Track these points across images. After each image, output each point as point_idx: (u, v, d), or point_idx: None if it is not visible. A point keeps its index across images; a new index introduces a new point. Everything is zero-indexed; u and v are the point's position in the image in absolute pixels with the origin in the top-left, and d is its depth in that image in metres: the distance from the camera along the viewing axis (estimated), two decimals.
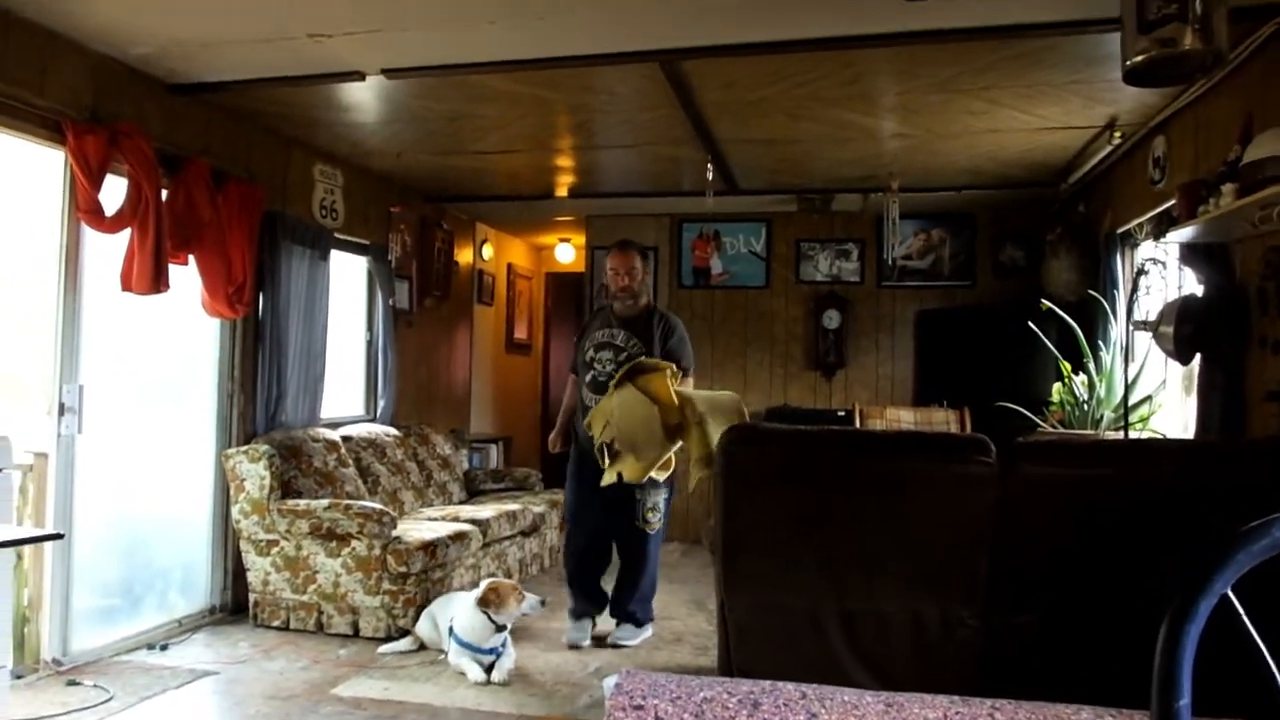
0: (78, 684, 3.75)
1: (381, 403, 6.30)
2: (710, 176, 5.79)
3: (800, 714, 1.15)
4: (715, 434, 3.53)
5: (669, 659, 4.40)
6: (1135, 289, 4.30)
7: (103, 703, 3.58)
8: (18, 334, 4.01)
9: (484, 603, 4.05)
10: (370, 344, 6.37)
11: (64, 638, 3.97)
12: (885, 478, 2.67)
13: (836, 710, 1.15)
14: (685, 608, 5.36)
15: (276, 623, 4.70)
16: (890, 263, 6.97)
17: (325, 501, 4.67)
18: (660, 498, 4.50)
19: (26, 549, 3.73)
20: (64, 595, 3.97)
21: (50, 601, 3.91)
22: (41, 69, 3.75)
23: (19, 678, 3.69)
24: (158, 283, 4.08)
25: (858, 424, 6.33)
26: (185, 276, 4.43)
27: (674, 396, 3.94)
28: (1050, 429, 4.61)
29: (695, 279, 7.53)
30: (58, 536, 2.68)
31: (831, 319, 7.15)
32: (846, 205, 6.87)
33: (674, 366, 4.21)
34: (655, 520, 4.51)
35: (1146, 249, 4.87)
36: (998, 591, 2.54)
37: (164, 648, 4.33)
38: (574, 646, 4.50)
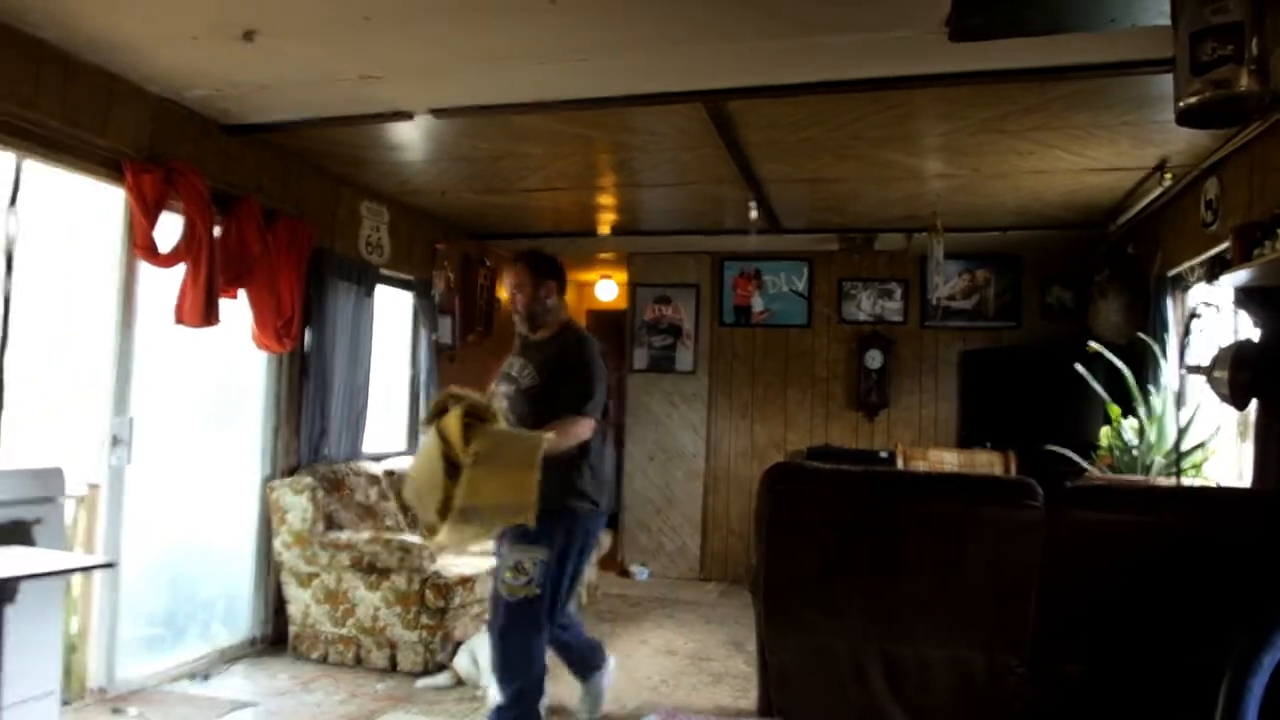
0: (122, 712, 3.79)
1: (424, 437, 6.32)
2: (753, 215, 5.80)
3: None
4: (485, 487, 3.05)
5: (708, 700, 4.34)
6: (1187, 332, 4.21)
7: None
8: (73, 367, 4.10)
9: None
10: (413, 378, 6.44)
11: (110, 666, 4.02)
12: (929, 520, 2.63)
13: None
14: (724, 649, 5.30)
15: (315, 655, 4.71)
16: (934, 303, 6.92)
17: (366, 535, 4.70)
18: (528, 557, 3.43)
19: (75, 578, 3.79)
20: (110, 624, 4.02)
21: (97, 630, 3.96)
22: (103, 111, 3.87)
23: (66, 704, 3.73)
24: (209, 316, 4.17)
25: (900, 465, 6.25)
26: (235, 310, 4.53)
27: (459, 434, 3.16)
28: (1098, 474, 4.51)
29: (737, 317, 7.52)
30: (109, 565, 2.72)
31: (874, 359, 7.09)
32: (889, 245, 6.83)
33: (478, 398, 3.41)
34: (517, 584, 3.43)
35: (1199, 292, 4.78)
36: (1045, 640, 2.48)
37: (206, 678, 4.36)
38: None
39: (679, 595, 6.81)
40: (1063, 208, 5.72)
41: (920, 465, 6.22)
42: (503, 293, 7.73)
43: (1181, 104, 2.12)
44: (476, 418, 3.22)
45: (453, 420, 3.18)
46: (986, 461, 6.06)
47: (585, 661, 3.97)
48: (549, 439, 3.22)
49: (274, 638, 4.96)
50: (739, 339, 7.52)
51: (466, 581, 4.63)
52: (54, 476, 2.87)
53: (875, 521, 2.68)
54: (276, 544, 4.80)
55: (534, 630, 3.48)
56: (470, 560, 5.05)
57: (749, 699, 4.34)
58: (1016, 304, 6.96)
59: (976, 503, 2.61)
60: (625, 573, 7.47)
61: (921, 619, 2.61)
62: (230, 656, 4.70)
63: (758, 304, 7.48)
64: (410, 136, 4.75)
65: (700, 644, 5.40)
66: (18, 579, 2.17)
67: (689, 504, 7.54)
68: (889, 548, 2.64)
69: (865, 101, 3.98)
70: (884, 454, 6.71)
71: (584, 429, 3.48)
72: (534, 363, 3.68)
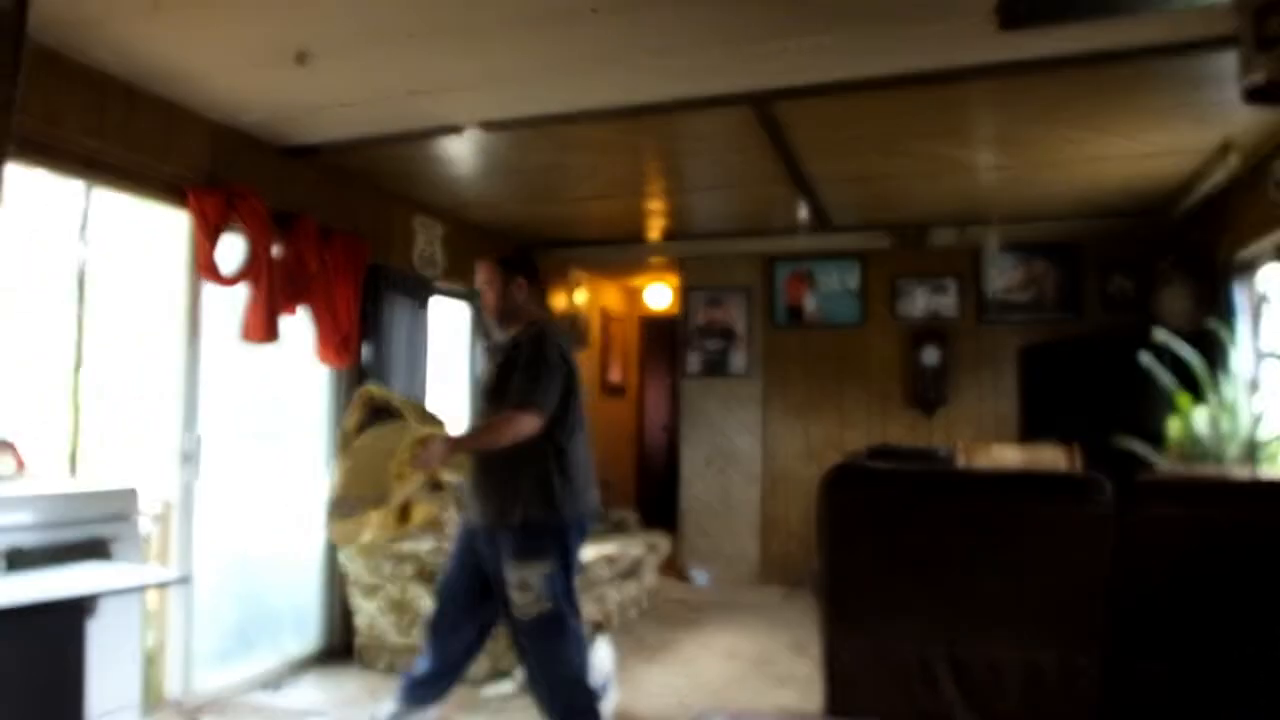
0: None
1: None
2: (802, 215, 5.77)
3: None
4: (350, 479, 3.11)
5: (772, 704, 4.31)
6: (1259, 316, 4.08)
7: None
8: (144, 386, 4.23)
9: None
10: (470, 389, 6.51)
11: (186, 678, 4.12)
12: (994, 518, 2.59)
13: None
14: (787, 652, 5.26)
15: (381, 665, 4.78)
16: (990, 296, 6.80)
17: (429, 545, 4.75)
18: (531, 572, 3.36)
19: (152, 593, 3.90)
20: (186, 637, 4.12)
21: (174, 643, 4.07)
22: (165, 138, 3.99)
23: (145, 716, 3.83)
24: (270, 333, 4.28)
25: (961, 462, 6.15)
26: (297, 327, 4.62)
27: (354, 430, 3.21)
28: (1167, 466, 4.39)
29: (789, 318, 7.47)
30: (184, 580, 2.79)
31: (930, 355, 6.99)
32: (943, 240, 6.74)
33: (387, 394, 3.44)
34: (526, 602, 3.37)
35: (1268, 273, 4.64)
36: (1120, 637, 2.43)
37: (277, 688, 4.45)
38: None
39: (740, 599, 6.78)
40: (1121, 195, 5.59)
41: (981, 462, 6.11)
42: (556, 301, 7.79)
43: (1247, 81, 2.06)
44: (388, 414, 3.31)
45: (350, 418, 3.32)
46: (1050, 457, 5.93)
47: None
48: (443, 434, 3.29)
49: (341, 648, 5.04)
50: (792, 340, 7.47)
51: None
52: (129, 496, 2.96)
53: (938, 521, 2.64)
54: (341, 556, 4.88)
55: (560, 640, 3.40)
56: None
57: (813, 702, 4.30)
58: (1076, 295, 6.81)
59: (1043, 499, 2.56)
60: (685, 577, 7.46)
61: (989, 619, 2.57)
62: (299, 667, 4.79)
63: (810, 304, 7.42)
64: (460, 150, 4.82)
65: (763, 647, 5.37)
66: (98, 595, 2.24)
67: (747, 507, 7.50)
68: (953, 547, 2.61)
69: (914, 96, 3.94)
70: (942, 452, 6.60)
71: (525, 424, 3.33)
72: (494, 362, 3.61)
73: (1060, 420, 6.26)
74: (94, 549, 2.73)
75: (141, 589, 3.20)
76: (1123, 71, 3.63)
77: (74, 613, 2.19)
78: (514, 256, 3.74)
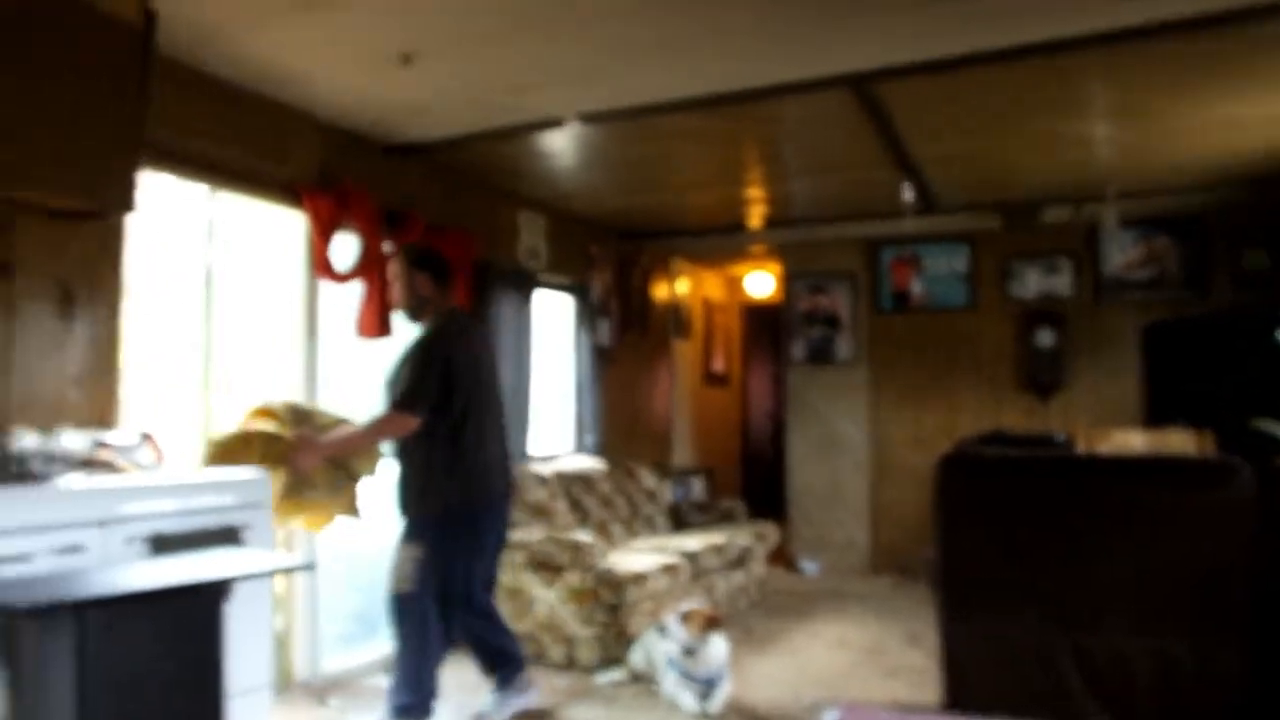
0: (327, 704, 4.05)
1: (588, 437, 6.48)
2: (907, 198, 5.63)
3: None
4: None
5: (885, 694, 4.24)
6: None
7: None
8: (266, 381, 4.42)
9: (684, 622, 4.12)
10: (575, 380, 6.59)
11: (313, 660, 4.30)
12: (1121, 505, 2.49)
13: None
14: (899, 642, 5.17)
15: None
16: (1109, 275, 6.51)
17: (539, 534, 4.84)
18: (405, 555, 3.59)
19: (280, 579, 4.08)
20: (312, 621, 4.30)
21: (301, 627, 4.25)
22: (280, 141, 4.16)
23: (276, 695, 4.02)
24: (383, 328, 4.42)
25: (1080, 448, 5.92)
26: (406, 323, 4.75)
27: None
28: None
29: (896, 303, 7.31)
30: (309, 567, 2.91)
31: (1045, 337, 6.75)
32: (1056, 217, 6.48)
33: (275, 405, 3.61)
34: (395, 579, 3.58)
35: None
36: (1262, 629, 2.30)
37: None
38: None
39: (850, 588, 6.69)
40: (1255, 163, 5.26)
41: (1103, 448, 5.86)
42: (657, 291, 7.81)
43: None
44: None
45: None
46: (1179, 441, 5.66)
47: (495, 664, 3.93)
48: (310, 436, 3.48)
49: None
50: (899, 325, 7.31)
51: (639, 578, 4.70)
52: (259, 484, 3.10)
53: (1060, 508, 2.55)
54: None
55: (417, 626, 3.54)
56: (641, 558, 5.13)
57: (927, 693, 4.21)
58: (1202, 271, 6.46)
59: (1176, 485, 2.45)
60: (793, 567, 7.40)
61: (1115, 609, 2.47)
62: None
63: (917, 288, 7.25)
64: (561, 144, 4.87)
65: (874, 637, 5.28)
66: (234, 579, 2.36)
67: (856, 496, 7.39)
68: (1076, 535, 2.51)
69: (1024, 70, 3.79)
70: (1060, 437, 6.36)
71: (398, 423, 3.53)
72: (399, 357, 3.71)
73: (1187, 403, 5.97)
74: (227, 535, 2.88)
75: (274, 574, 3.36)
76: (1256, 30, 3.42)
77: (214, 595, 2.31)
78: (421, 251, 3.84)
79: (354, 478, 3.72)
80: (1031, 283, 6.89)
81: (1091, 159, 5.18)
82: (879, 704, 4.09)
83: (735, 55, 3.62)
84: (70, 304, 3.22)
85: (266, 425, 3.50)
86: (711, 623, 4.11)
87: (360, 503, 3.75)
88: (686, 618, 4.12)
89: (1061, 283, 6.80)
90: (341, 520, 3.71)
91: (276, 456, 3.40)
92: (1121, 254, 6.52)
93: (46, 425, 3.09)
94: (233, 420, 3.67)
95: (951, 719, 2.77)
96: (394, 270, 3.82)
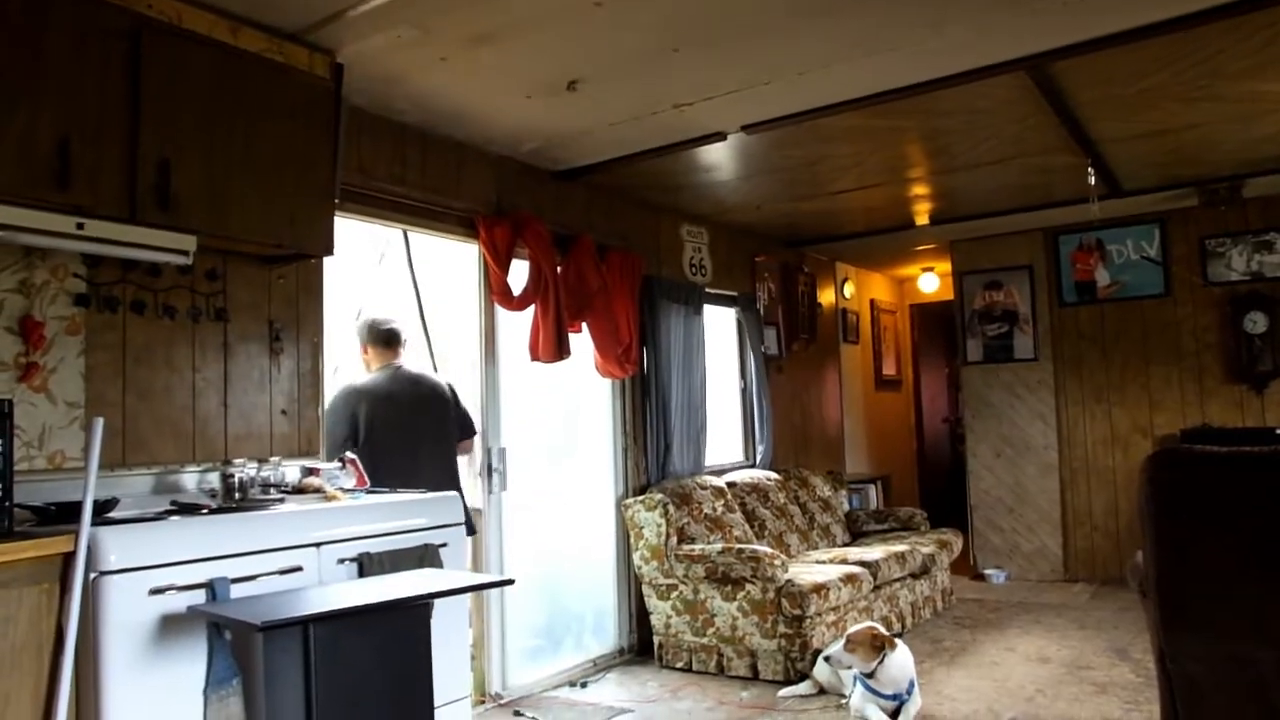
0: (521, 715, 4.18)
1: (760, 448, 6.44)
2: (1089, 181, 5.31)
3: None
4: None
5: (1094, 713, 3.98)
6: None
7: None
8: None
9: (848, 650, 4.03)
10: (745, 391, 6.56)
11: (503, 673, 4.45)
12: None
13: None
14: (1104, 656, 4.85)
15: (680, 664, 4.91)
16: None
17: (718, 546, 4.84)
18: None
19: (470, 595, 4.24)
20: (501, 636, 4.45)
21: (492, 641, 4.40)
22: (455, 175, 4.35)
23: (474, 708, 4.18)
24: (560, 351, 4.53)
25: None
26: (577, 343, 4.86)
27: None
28: None
29: (1080, 294, 6.90)
30: (509, 582, 3.02)
31: (1255, 322, 6.20)
32: (1261, 190, 5.96)
33: None
34: None
35: None
36: None
37: (583, 685, 4.69)
38: None
39: (1043, 599, 6.33)
40: None
41: None
42: (823, 297, 7.69)
43: None
44: None
45: None
46: None
47: None
48: None
49: (639, 647, 5.23)
50: (1084, 317, 6.90)
51: (821, 589, 4.61)
52: (454, 503, 3.24)
53: None
54: (635, 558, 5.07)
55: None
56: (821, 569, 5.04)
57: (1143, 712, 3.93)
58: None
59: None
60: (979, 575, 7.09)
61: None
62: (602, 665, 5.02)
63: (1103, 277, 6.82)
64: (722, 156, 4.87)
65: (1076, 651, 4.98)
66: (441, 594, 2.47)
67: (1044, 500, 7.01)
68: None
69: (1222, 31, 3.50)
70: None
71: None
72: None
73: None
74: (426, 554, 3.01)
75: (475, 589, 3.50)
76: None
77: (423, 611, 2.43)
78: (363, 328, 4.17)
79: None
80: (1237, 263, 6.35)
81: None
82: None
83: (904, 51, 3.52)
84: (277, 342, 3.47)
85: None
86: (877, 642, 3.98)
87: None
88: (851, 643, 4.01)
89: (1273, 261, 6.23)
90: None
91: None
92: None
93: (260, 455, 3.34)
94: None
95: None
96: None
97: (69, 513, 2.44)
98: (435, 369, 4.51)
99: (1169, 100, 4.30)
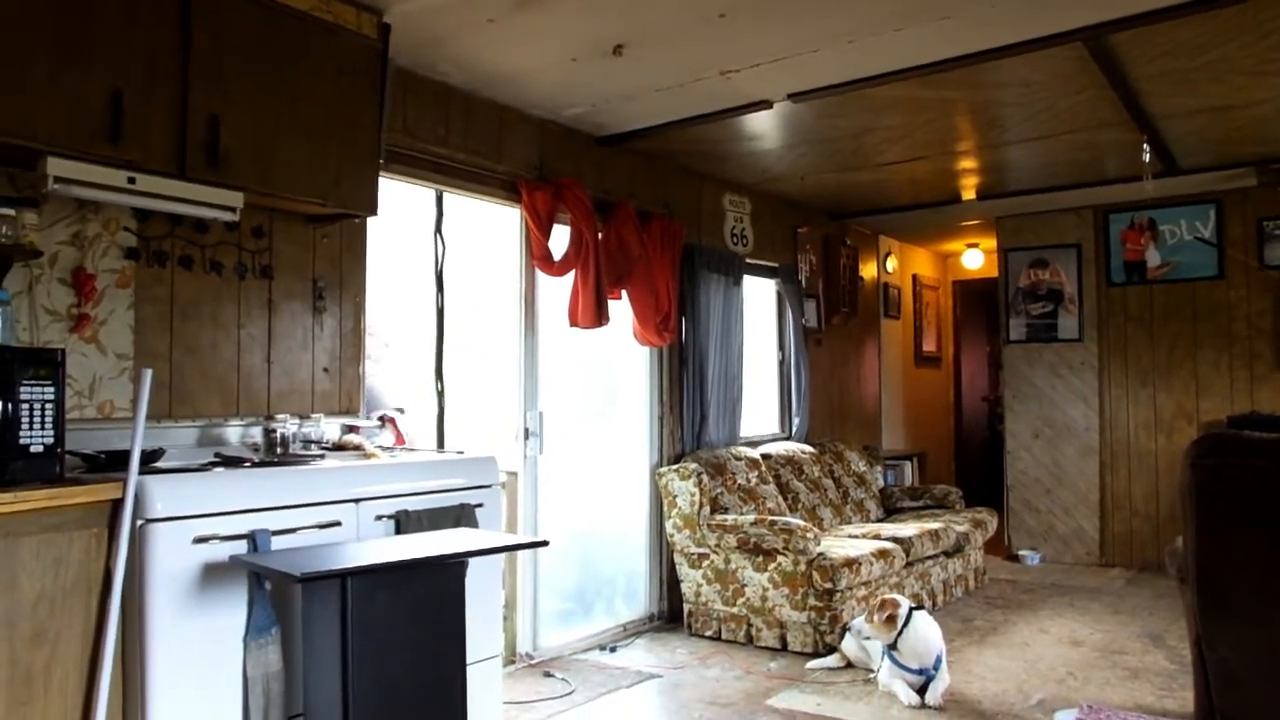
0: (551, 676, 4.24)
1: (796, 420, 6.42)
2: (1144, 158, 5.19)
3: None
4: None
5: (1126, 698, 3.95)
6: None
7: (568, 694, 4.02)
8: (489, 368, 4.65)
9: (867, 621, 4.05)
10: (782, 363, 6.53)
11: (534, 635, 4.51)
12: None
13: None
14: (1138, 641, 4.80)
15: (709, 632, 4.94)
16: None
17: (751, 517, 4.84)
18: None
19: (503, 556, 4.29)
20: (533, 597, 4.51)
21: (524, 603, 4.46)
22: (498, 139, 4.34)
23: (505, 668, 4.24)
24: (599, 317, 4.54)
25: None
26: (616, 310, 4.87)
27: None
28: None
29: (1128, 275, 6.77)
30: (543, 543, 3.05)
31: None
32: None
33: None
34: None
35: None
36: None
37: (613, 649, 4.74)
38: None
39: (1077, 582, 6.28)
40: None
41: None
42: (865, 271, 7.61)
43: None
44: None
45: None
46: None
47: None
48: None
49: (669, 614, 5.27)
50: (1133, 298, 6.76)
51: (852, 564, 4.61)
52: (490, 464, 3.27)
53: None
54: (668, 527, 5.10)
55: None
56: (853, 543, 5.03)
57: (1176, 699, 3.90)
58: None
59: None
60: (1013, 556, 7.04)
61: None
62: (631, 631, 5.07)
63: (1154, 258, 6.67)
64: (768, 125, 4.82)
65: (1109, 635, 4.94)
66: (476, 553, 2.50)
67: (1083, 483, 6.92)
68: None
69: None
70: None
71: None
72: None
73: None
74: (462, 514, 3.05)
75: (510, 549, 3.54)
76: None
77: (458, 569, 2.46)
78: None
79: None
80: None
81: None
82: (1123, 708, 3.82)
83: (953, 20, 3.44)
84: (320, 300, 3.51)
85: None
86: (885, 610, 3.96)
87: None
88: (872, 614, 4.01)
89: None
90: None
91: None
92: None
93: (301, 411, 3.39)
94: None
95: None
96: None
97: (118, 461, 2.50)
98: (441, 341, 4.29)
99: (1235, 74, 4.17)
